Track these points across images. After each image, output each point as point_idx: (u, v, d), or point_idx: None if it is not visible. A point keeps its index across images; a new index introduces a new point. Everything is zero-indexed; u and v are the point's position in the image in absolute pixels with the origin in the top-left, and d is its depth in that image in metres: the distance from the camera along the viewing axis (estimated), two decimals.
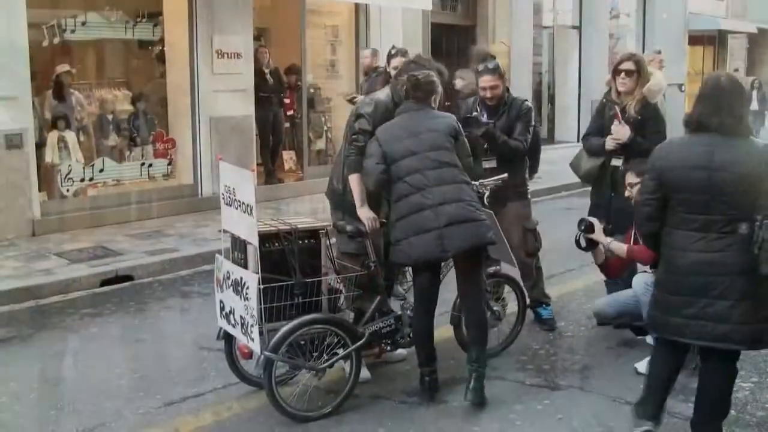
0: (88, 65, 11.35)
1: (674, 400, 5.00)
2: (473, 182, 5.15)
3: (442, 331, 5.54)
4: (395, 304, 5.42)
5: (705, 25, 22.96)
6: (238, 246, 4.77)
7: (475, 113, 6.16)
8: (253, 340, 4.53)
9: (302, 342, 4.70)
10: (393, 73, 5.97)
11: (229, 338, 4.96)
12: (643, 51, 19.58)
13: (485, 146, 6.10)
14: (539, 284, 6.40)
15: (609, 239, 5.69)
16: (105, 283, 7.71)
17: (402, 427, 4.72)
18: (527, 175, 6.42)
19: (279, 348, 4.55)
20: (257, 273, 4.50)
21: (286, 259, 4.70)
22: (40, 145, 9.57)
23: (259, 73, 11.66)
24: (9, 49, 8.75)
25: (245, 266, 4.65)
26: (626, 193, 5.68)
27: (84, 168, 10.06)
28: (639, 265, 5.93)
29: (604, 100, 6.33)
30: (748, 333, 4.01)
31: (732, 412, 4.52)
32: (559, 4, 18.35)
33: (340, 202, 5.39)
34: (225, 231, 4.87)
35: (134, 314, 6.86)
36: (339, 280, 5.05)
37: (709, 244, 4.01)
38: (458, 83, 7.39)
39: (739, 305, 3.98)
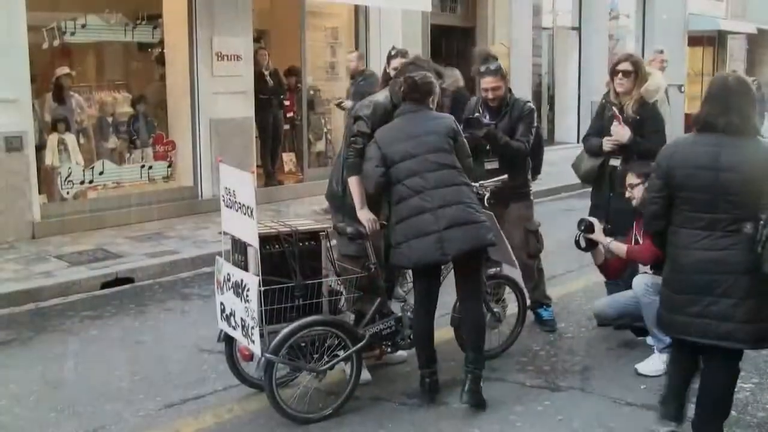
0: (88, 67, 11.37)
1: None
2: (473, 184, 5.14)
3: (443, 332, 5.54)
4: (395, 306, 5.42)
5: (704, 25, 22.95)
6: (239, 248, 4.77)
7: (477, 114, 6.15)
8: (253, 342, 4.53)
9: (303, 344, 4.70)
10: (393, 74, 5.96)
11: (229, 340, 4.96)
12: (643, 52, 19.62)
13: (487, 147, 6.09)
14: (540, 286, 6.40)
15: (609, 239, 5.69)
16: (105, 285, 7.71)
17: (402, 428, 4.72)
18: (529, 177, 6.41)
19: (279, 350, 4.55)
20: (258, 275, 4.50)
21: (286, 261, 4.69)
22: (40, 148, 9.58)
23: (258, 75, 11.66)
24: (9, 51, 8.75)
25: (246, 268, 4.65)
26: (626, 194, 5.69)
27: (84, 170, 10.07)
28: (640, 266, 5.94)
29: (604, 101, 6.33)
30: (751, 332, 4.03)
31: (732, 413, 4.51)
32: (559, 6, 18.35)
33: (340, 204, 5.39)
34: (225, 233, 4.87)
35: (134, 317, 6.86)
36: (339, 282, 5.05)
37: (714, 242, 4.04)
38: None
39: (743, 304, 4.00)
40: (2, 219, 8.80)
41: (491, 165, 6.11)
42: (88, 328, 6.57)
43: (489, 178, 5.74)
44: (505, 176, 5.76)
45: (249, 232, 4.53)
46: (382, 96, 5.33)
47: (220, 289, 4.91)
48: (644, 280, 5.42)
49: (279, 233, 4.73)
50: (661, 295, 4.35)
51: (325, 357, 4.78)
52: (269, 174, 12.11)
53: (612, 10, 19.86)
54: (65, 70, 10.29)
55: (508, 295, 5.92)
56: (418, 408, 4.96)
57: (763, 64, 27.28)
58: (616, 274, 5.96)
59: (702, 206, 4.06)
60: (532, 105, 6.28)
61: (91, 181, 10.13)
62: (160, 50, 11.14)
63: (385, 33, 13.02)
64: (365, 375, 5.12)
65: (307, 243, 4.81)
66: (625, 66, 6.02)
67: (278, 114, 12.26)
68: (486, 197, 5.53)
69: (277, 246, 4.70)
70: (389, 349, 5.33)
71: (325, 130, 13.23)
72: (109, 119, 10.88)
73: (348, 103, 9.76)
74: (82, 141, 10.37)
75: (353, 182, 5.10)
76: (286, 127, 12.74)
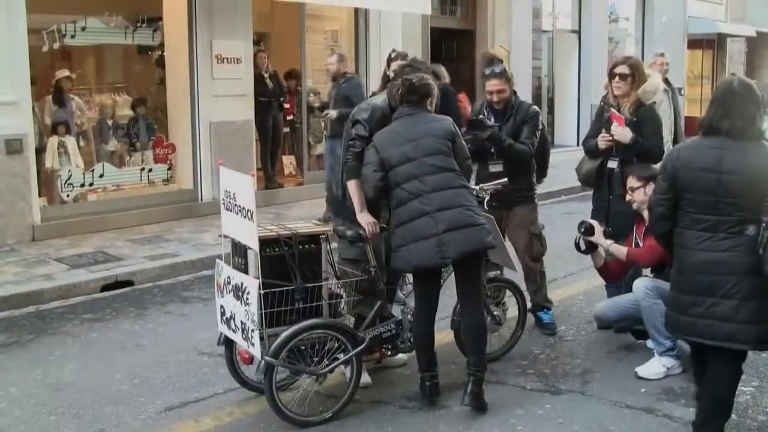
0: (88, 70, 11.39)
1: (675, 404, 5.02)
2: (473, 186, 5.14)
3: (443, 335, 5.54)
4: (396, 309, 5.42)
5: (704, 28, 22.96)
6: (239, 251, 4.77)
7: (481, 116, 6.15)
8: (253, 345, 4.53)
9: (303, 347, 4.70)
10: (393, 76, 5.96)
11: (229, 343, 4.96)
12: (643, 54, 19.63)
13: (492, 150, 6.09)
14: (542, 289, 6.40)
15: (609, 242, 5.70)
16: (105, 288, 7.70)
17: (403, 431, 4.72)
18: (534, 180, 6.40)
19: (279, 353, 4.55)
20: (258, 278, 4.50)
21: (286, 264, 4.69)
22: (40, 151, 9.58)
23: (258, 78, 11.66)
24: (9, 54, 8.76)
25: (246, 271, 4.65)
26: (627, 197, 5.69)
27: (84, 173, 10.08)
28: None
29: (602, 103, 6.34)
30: (753, 333, 4.06)
31: (733, 416, 4.52)
32: (559, 9, 18.35)
33: (340, 207, 5.39)
34: (225, 236, 4.87)
35: (134, 319, 6.86)
36: (339, 285, 5.05)
37: (716, 243, 4.08)
38: None
39: (745, 305, 4.04)
40: (2, 221, 8.80)
41: (496, 168, 6.11)
42: (88, 330, 6.57)
43: (493, 180, 5.74)
44: (505, 180, 5.76)
45: (249, 235, 4.53)
46: (380, 99, 5.32)
47: (220, 292, 4.90)
48: (644, 284, 5.42)
49: (279, 236, 4.73)
50: (669, 296, 4.40)
51: (325, 360, 4.78)
52: (269, 177, 12.10)
53: (611, 13, 19.87)
54: (65, 72, 10.30)
55: (509, 298, 5.91)
56: (419, 411, 4.95)
57: (763, 67, 27.31)
58: (616, 277, 5.96)
59: (706, 208, 4.11)
60: (536, 108, 6.28)
61: (91, 184, 10.14)
62: (160, 53, 11.15)
63: (384, 36, 13.03)
64: (365, 378, 5.12)
65: (307, 246, 4.81)
66: (622, 69, 6.03)
67: (278, 117, 12.26)
68: (486, 200, 5.53)
69: (277, 249, 4.70)
70: (389, 352, 5.34)
71: (325, 133, 13.20)
72: (109, 122, 10.88)
73: (333, 113, 9.68)
74: (82, 144, 10.39)
75: (352, 186, 5.09)
76: (286, 129, 12.74)
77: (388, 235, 5.06)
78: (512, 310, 5.96)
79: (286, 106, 12.49)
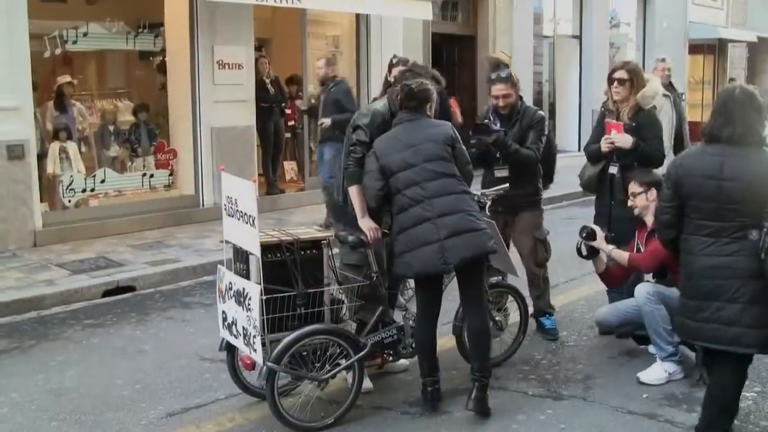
0: (89, 76, 11.42)
1: (677, 409, 5.02)
2: (474, 192, 5.14)
3: (445, 341, 5.54)
4: (397, 315, 5.42)
5: (705, 33, 22.99)
6: (240, 256, 4.77)
7: (486, 121, 6.14)
8: (255, 350, 4.53)
9: (304, 352, 4.70)
10: (393, 81, 5.96)
11: (231, 349, 4.96)
12: (644, 60, 19.65)
13: (497, 155, 6.08)
14: (545, 295, 6.39)
15: (611, 247, 5.70)
16: (106, 293, 7.71)
17: None
18: (540, 185, 6.39)
19: (281, 358, 4.55)
20: (259, 284, 4.50)
21: (288, 270, 4.69)
22: (42, 156, 9.60)
23: (260, 84, 11.68)
24: (11, 59, 8.77)
25: (247, 277, 4.65)
26: (629, 203, 5.70)
27: (85, 178, 10.09)
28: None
29: (603, 109, 6.35)
30: (757, 336, 4.11)
31: (735, 421, 4.52)
32: (560, 14, 18.38)
33: (341, 213, 5.39)
34: (227, 241, 4.87)
35: (136, 325, 6.86)
36: (341, 291, 5.05)
37: (720, 248, 4.14)
38: None
39: (749, 309, 4.09)
40: (4, 227, 8.81)
41: (501, 173, 6.09)
42: (89, 336, 6.57)
43: (499, 185, 5.74)
44: (507, 185, 5.76)
45: (251, 240, 4.53)
46: (381, 104, 5.32)
47: (222, 297, 4.90)
48: (646, 289, 5.42)
49: (281, 242, 4.73)
50: (678, 300, 4.49)
51: (326, 366, 4.77)
52: (270, 182, 12.11)
53: (612, 18, 19.90)
54: (67, 78, 10.34)
55: (510, 303, 5.91)
56: (420, 417, 4.95)
57: (764, 72, 27.34)
58: (618, 282, 5.96)
59: (709, 214, 4.17)
60: (542, 113, 6.27)
61: (92, 190, 10.15)
62: (161, 58, 11.17)
63: (386, 41, 13.04)
64: (367, 384, 5.12)
65: (308, 251, 4.81)
66: (621, 74, 6.03)
67: (279, 122, 12.27)
68: (487, 205, 5.53)
69: (278, 254, 4.70)
70: (391, 358, 5.33)
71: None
72: (111, 127, 10.90)
73: (327, 121, 9.68)
74: (83, 149, 10.41)
75: (353, 192, 5.09)
76: (288, 135, 12.75)
77: (389, 240, 5.06)
78: (514, 316, 5.95)
79: (288, 111, 12.50)
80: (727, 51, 25.28)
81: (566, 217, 10.99)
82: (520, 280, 6.07)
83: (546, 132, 6.18)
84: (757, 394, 5.24)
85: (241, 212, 4.59)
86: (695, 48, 23.38)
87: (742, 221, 4.09)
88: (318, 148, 10.17)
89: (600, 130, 6.27)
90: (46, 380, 5.60)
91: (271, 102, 11.93)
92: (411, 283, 5.47)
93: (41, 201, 9.42)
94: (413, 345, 5.18)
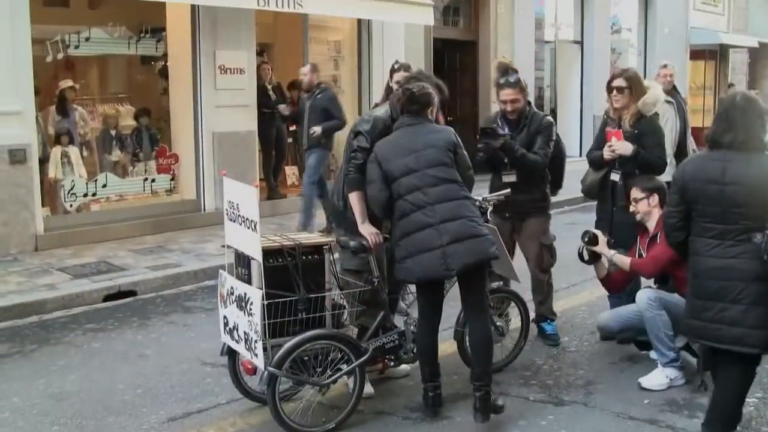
0: (91, 80, 11.44)
1: (678, 415, 5.02)
2: (476, 198, 5.14)
3: (446, 346, 5.53)
4: (398, 320, 5.42)
5: (706, 39, 23.02)
6: (242, 261, 4.77)
7: (494, 125, 6.14)
8: (256, 355, 4.53)
9: (306, 357, 4.70)
10: (396, 87, 5.97)
11: (232, 354, 4.96)
12: (645, 65, 19.67)
13: (505, 160, 6.08)
14: (548, 301, 6.39)
15: (612, 252, 5.71)
16: (108, 298, 7.71)
17: None
18: (548, 191, 6.37)
19: (283, 363, 4.54)
20: (261, 288, 4.51)
21: (289, 275, 4.69)
22: (44, 160, 9.62)
23: (261, 89, 11.69)
24: (13, 63, 8.79)
25: (249, 282, 4.65)
26: (630, 209, 5.71)
27: (87, 183, 10.11)
28: (643, 280, 5.94)
29: (605, 116, 6.35)
30: (761, 337, 4.17)
31: (737, 427, 4.51)
32: (561, 19, 18.41)
33: (341, 218, 5.39)
34: (229, 246, 4.87)
35: (137, 329, 6.86)
36: (342, 296, 5.05)
37: (725, 250, 4.22)
38: None
39: (753, 310, 4.16)
40: (6, 231, 8.82)
41: (509, 178, 6.08)
42: (90, 340, 6.57)
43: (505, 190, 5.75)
44: (508, 191, 5.76)
45: (252, 245, 4.54)
46: (382, 110, 5.32)
47: (224, 302, 4.90)
48: (647, 294, 5.43)
49: (282, 247, 4.73)
50: (686, 301, 4.54)
51: (328, 371, 4.77)
52: (272, 187, 12.12)
53: (614, 23, 19.93)
54: (69, 82, 10.36)
55: (512, 309, 5.91)
56: (422, 422, 4.95)
57: (765, 77, 27.37)
58: (619, 287, 5.96)
59: (713, 217, 4.26)
60: (550, 119, 6.25)
61: (94, 194, 10.17)
62: (163, 63, 11.19)
63: (387, 46, 13.07)
64: (368, 389, 5.12)
65: (310, 256, 4.81)
66: (619, 82, 6.02)
67: (281, 127, 12.28)
68: (489, 211, 5.53)
69: (280, 259, 4.70)
70: (392, 363, 5.33)
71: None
72: (113, 132, 10.92)
73: (318, 129, 9.68)
74: (85, 154, 10.42)
75: (354, 198, 5.09)
76: (289, 140, 12.75)
77: (390, 245, 5.06)
78: (515, 321, 5.95)
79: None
80: (728, 56, 25.30)
81: (568, 222, 10.98)
82: (521, 285, 6.07)
83: (554, 138, 6.16)
84: (759, 400, 5.24)
85: (243, 217, 4.59)
86: (696, 53, 23.41)
87: (746, 224, 4.16)
88: (306, 155, 10.16)
89: (602, 137, 6.27)
90: (47, 384, 5.60)
91: (273, 107, 11.93)
92: (412, 288, 5.46)
93: (43, 205, 9.43)
94: (414, 350, 5.18)
